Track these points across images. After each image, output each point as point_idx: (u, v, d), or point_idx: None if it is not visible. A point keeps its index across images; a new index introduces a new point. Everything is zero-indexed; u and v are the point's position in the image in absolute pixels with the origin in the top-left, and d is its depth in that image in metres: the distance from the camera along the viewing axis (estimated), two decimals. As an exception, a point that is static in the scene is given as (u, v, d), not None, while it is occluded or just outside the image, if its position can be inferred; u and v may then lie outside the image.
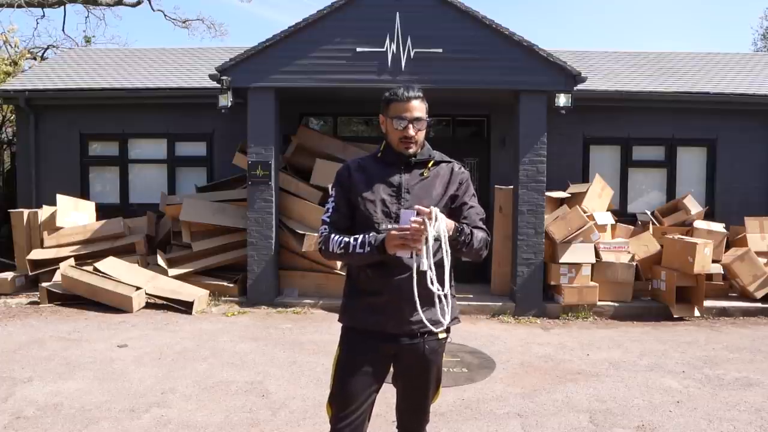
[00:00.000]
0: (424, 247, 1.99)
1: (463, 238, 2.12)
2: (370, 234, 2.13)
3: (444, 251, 2.05)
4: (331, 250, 2.19)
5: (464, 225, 2.17)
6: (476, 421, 3.81)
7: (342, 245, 2.16)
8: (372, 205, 2.21)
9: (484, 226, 2.28)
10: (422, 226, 1.96)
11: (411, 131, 2.18)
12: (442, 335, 2.24)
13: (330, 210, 2.28)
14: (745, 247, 7.36)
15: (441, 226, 2.00)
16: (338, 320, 2.33)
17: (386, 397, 2.49)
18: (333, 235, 2.20)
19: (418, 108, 2.21)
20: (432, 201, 2.19)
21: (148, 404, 4.00)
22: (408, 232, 1.97)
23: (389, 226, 2.14)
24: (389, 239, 2.03)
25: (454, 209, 2.27)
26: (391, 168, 2.26)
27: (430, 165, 2.27)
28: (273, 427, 3.69)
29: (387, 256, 2.07)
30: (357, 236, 2.15)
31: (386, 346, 2.22)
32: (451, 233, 2.07)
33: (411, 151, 2.23)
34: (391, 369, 2.32)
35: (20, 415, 3.79)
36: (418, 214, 1.99)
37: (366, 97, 7.38)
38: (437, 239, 2.02)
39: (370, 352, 2.22)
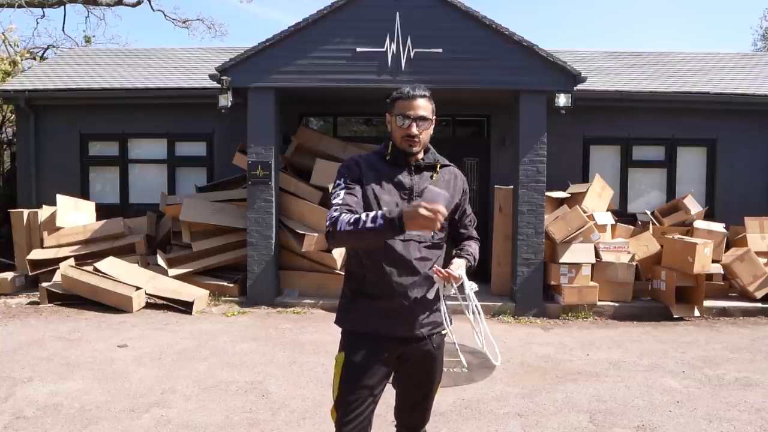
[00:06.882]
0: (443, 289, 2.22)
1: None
2: (384, 209, 2.00)
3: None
4: (339, 228, 1.99)
5: (470, 257, 2.32)
6: (476, 421, 3.81)
7: (351, 221, 1.97)
8: (386, 206, 2.13)
9: (476, 234, 2.44)
10: (438, 216, 1.81)
11: (414, 129, 2.15)
12: (444, 330, 2.28)
13: (342, 194, 2.12)
14: (745, 247, 7.36)
15: (465, 284, 2.20)
16: (335, 323, 2.28)
17: (386, 397, 2.48)
18: (343, 215, 2.03)
19: (423, 107, 2.18)
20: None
21: (148, 404, 4.00)
22: (436, 215, 1.80)
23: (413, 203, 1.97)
24: (414, 216, 1.82)
25: (456, 218, 2.36)
26: (401, 170, 2.23)
27: (438, 168, 2.27)
28: (273, 427, 3.69)
29: (399, 234, 1.92)
30: (369, 212, 1.97)
31: (395, 348, 2.20)
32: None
33: (414, 150, 2.19)
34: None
35: (20, 415, 3.79)
36: (443, 277, 2.13)
37: (366, 97, 7.40)
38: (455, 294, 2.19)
39: (378, 355, 2.17)
